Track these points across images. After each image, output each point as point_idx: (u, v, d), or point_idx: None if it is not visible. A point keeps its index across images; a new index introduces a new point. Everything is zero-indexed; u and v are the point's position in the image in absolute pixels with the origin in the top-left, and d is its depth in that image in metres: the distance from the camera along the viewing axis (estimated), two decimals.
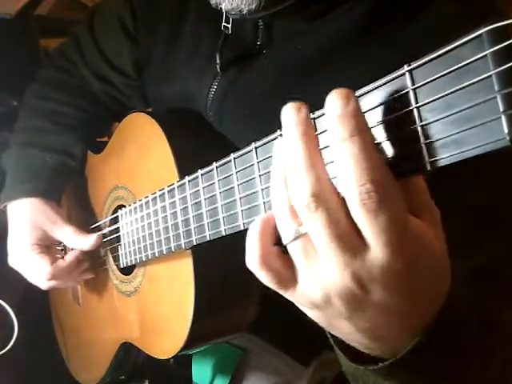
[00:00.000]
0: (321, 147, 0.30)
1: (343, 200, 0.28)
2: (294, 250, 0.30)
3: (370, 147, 0.26)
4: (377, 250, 0.27)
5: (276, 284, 0.31)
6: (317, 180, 0.28)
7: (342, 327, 0.32)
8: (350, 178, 0.26)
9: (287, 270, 0.31)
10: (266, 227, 0.32)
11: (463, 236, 0.48)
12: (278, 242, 0.32)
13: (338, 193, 0.28)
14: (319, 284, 0.30)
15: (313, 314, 0.33)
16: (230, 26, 0.60)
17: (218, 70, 0.60)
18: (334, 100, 0.27)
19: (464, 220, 0.47)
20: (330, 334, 0.36)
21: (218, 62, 0.60)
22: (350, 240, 0.28)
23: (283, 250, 0.32)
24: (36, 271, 0.73)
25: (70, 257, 0.73)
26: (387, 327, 0.31)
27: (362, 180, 0.26)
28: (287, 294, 0.32)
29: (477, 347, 0.38)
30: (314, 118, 0.31)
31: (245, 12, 0.50)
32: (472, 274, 0.45)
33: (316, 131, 0.31)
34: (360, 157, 0.26)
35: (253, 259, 0.31)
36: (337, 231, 0.28)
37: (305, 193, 0.28)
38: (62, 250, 0.80)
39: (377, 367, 0.34)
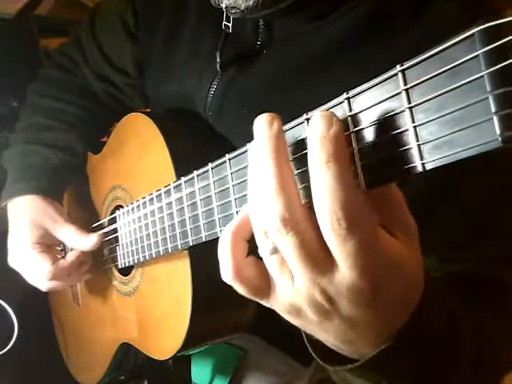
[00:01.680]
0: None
1: (314, 221, 0.28)
2: (270, 263, 0.31)
3: (345, 175, 0.26)
4: (344, 271, 0.28)
5: (250, 294, 0.32)
6: (287, 203, 0.28)
7: (315, 331, 0.34)
8: (323, 203, 0.27)
9: (262, 279, 0.32)
10: (238, 239, 0.32)
11: (458, 237, 0.48)
12: (253, 248, 0.33)
13: (309, 214, 0.29)
14: (292, 295, 0.31)
15: (287, 317, 0.34)
16: (230, 25, 0.59)
17: (218, 69, 0.60)
18: (318, 120, 0.27)
19: (459, 221, 0.47)
20: (305, 333, 0.37)
21: (218, 60, 0.60)
22: (319, 260, 0.29)
23: (259, 257, 0.32)
24: (36, 271, 0.72)
25: (71, 256, 0.72)
26: (355, 335, 0.33)
27: (333, 207, 0.26)
28: (263, 302, 0.33)
29: (444, 357, 0.38)
30: (308, 119, 0.31)
31: (242, 8, 0.49)
32: (459, 278, 0.46)
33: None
34: (334, 184, 0.26)
35: (226, 273, 0.32)
36: (307, 252, 0.28)
37: (275, 216, 0.28)
38: (62, 250, 0.80)
39: (345, 367, 0.36)
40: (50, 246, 0.75)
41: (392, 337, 0.33)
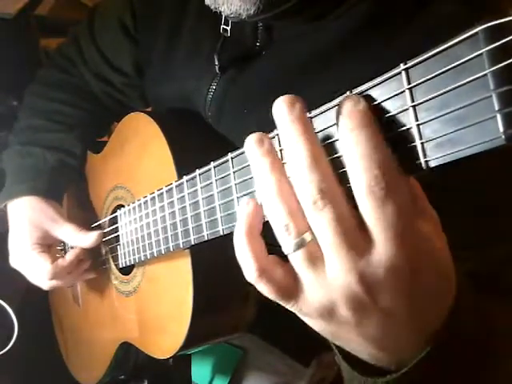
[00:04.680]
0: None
1: (348, 196, 0.28)
2: (297, 258, 0.30)
3: (378, 138, 0.26)
4: (381, 245, 0.27)
5: (278, 294, 0.31)
6: (323, 176, 0.28)
7: (349, 337, 0.32)
8: (358, 166, 0.26)
9: (289, 279, 0.31)
10: (253, 234, 0.31)
11: (463, 237, 0.47)
12: (270, 249, 0.31)
13: (343, 189, 0.28)
14: (325, 291, 0.29)
15: (317, 325, 0.32)
16: (229, 28, 0.60)
17: (217, 71, 0.60)
18: (347, 101, 0.27)
19: (464, 220, 0.47)
20: (335, 344, 0.35)
21: (216, 63, 0.60)
22: (355, 238, 0.28)
23: (282, 258, 0.31)
24: (37, 271, 0.73)
25: (70, 256, 0.73)
26: (394, 336, 0.31)
27: (370, 166, 0.26)
28: (290, 305, 0.31)
29: (481, 355, 0.36)
30: (311, 117, 0.31)
31: (244, 17, 0.50)
32: (471, 278, 0.45)
33: (314, 130, 0.31)
34: (368, 146, 0.26)
35: (250, 272, 0.31)
36: (343, 228, 0.27)
37: (312, 190, 0.28)
38: (62, 249, 0.80)
39: (385, 379, 0.33)
40: (51, 246, 0.76)
41: (431, 339, 0.31)
